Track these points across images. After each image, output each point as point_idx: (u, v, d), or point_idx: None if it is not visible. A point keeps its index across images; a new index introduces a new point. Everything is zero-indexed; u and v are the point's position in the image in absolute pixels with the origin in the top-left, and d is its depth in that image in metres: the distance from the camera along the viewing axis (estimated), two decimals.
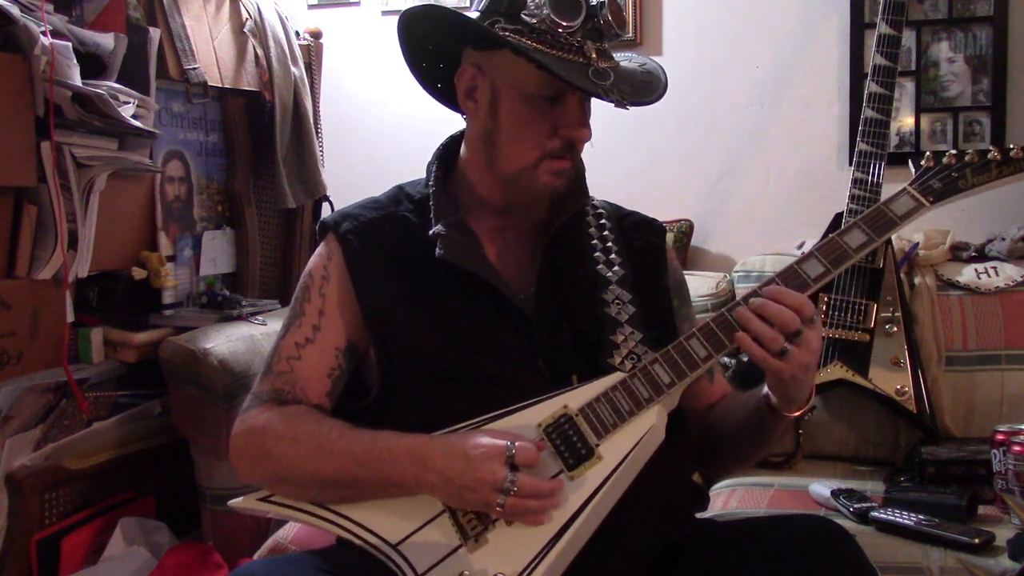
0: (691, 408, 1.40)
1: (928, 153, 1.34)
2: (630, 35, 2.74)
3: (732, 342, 1.22)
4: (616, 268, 1.39)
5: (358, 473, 1.23)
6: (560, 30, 1.25)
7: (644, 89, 1.32)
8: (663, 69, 1.38)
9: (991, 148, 1.32)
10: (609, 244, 1.42)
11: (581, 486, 1.19)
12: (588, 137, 1.31)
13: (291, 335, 1.36)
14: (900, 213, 1.29)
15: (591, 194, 1.45)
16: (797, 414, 1.28)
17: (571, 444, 1.21)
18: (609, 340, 1.32)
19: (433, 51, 1.41)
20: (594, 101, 1.33)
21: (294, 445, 1.26)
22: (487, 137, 1.34)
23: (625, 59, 1.38)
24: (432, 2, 1.34)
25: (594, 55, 1.26)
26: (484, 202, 1.39)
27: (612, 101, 1.23)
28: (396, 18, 1.38)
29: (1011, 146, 1.31)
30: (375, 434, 1.25)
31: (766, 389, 1.28)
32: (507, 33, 1.26)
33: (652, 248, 1.46)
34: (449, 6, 1.40)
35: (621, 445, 1.20)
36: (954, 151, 1.32)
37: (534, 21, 1.25)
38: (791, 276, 1.25)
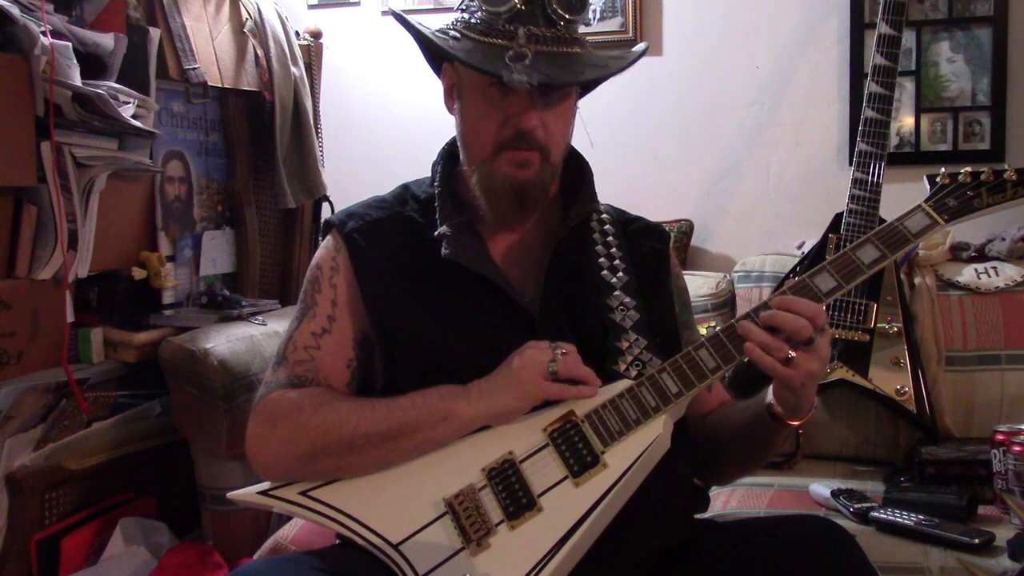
0: (687, 415, 1.40)
1: (943, 170, 1.33)
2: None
3: (741, 353, 1.22)
4: (620, 274, 1.39)
5: (406, 418, 1.24)
6: (491, 16, 1.27)
7: (579, 70, 1.29)
8: (628, 63, 1.35)
9: (1006, 168, 1.31)
10: (613, 250, 1.42)
11: (586, 493, 1.19)
12: (534, 125, 1.30)
13: (306, 325, 1.36)
14: (914, 230, 1.28)
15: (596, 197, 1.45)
16: (799, 423, 1.28)
17: (576, 451, 1.21)
18: (614, 346, 1.32)
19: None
20: (583, 102, 1.38)
21: (334, 408, 1.27)
22: (459, 133, 1.38)
23: (616, 56, 1.37)
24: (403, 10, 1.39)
25: (524, 39, 1.26)
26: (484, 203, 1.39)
27: (513, 83, 1.22)
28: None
29: None
30: (413, 392, 1.28)
31: (769, 399, 1.28)
32: (454, 24, 1.32)
33: (656, 254, 1.46)
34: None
35: (627, 453, 1.20)
36: (969, 169, 1.31)
37: (473, 7, 1.30)
38: (803, 290, 1.25)
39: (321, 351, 1.35)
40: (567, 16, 1.28)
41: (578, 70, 1.29)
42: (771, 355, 1.19)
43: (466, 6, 1.33)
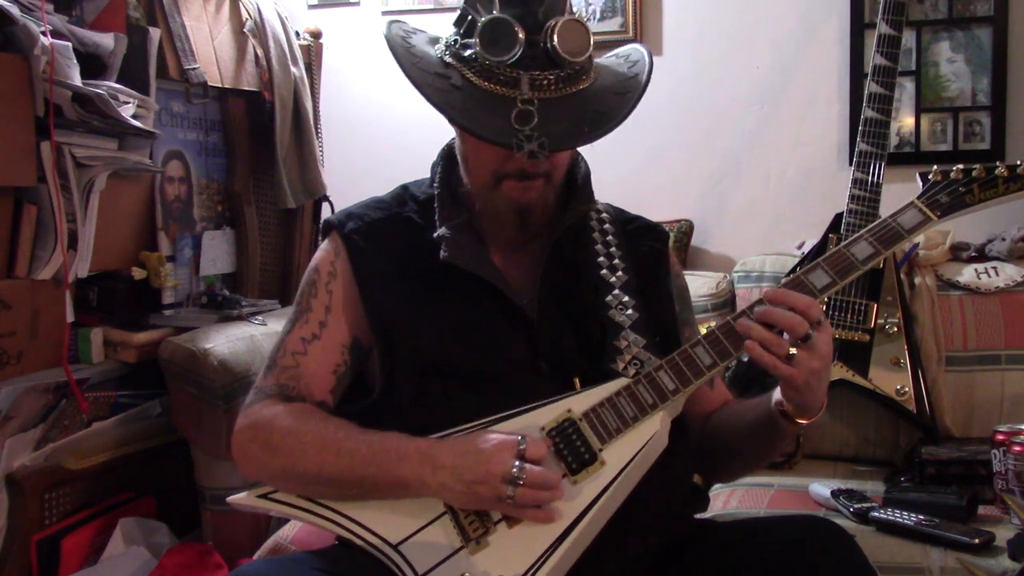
0: (691, 414, 1.40)
1: (935, 167, 1.34)
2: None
3: (737, 350, 1.22)
4: (619, 273, 1.39)
5: (365, 473, 1.23)
6: (494, 62, 1.22)
7: (587, 122, 1.25)
8: (649, 77, 1.33)
9: (998, 164, 1.32)
10: (612, 249, 1.41)
11: (584, 491, 1.19)
12: (540, 171, 1.28)
13: (297, 330, 1.36)
14: (908, 227, 1.29)
15: (594, 196, 1.45)
16: (809, 422, 1.27)
17: (574, 448, 1.21)
18: (612, 345, 1.31)
19: None
20: None
21: (300, 442, 1.26)
22: (459, 151, 1.36)
23: (621, 58, 1.36)
24: (393, 28, 1.35)
25: (526, 88, 1.22)
26: None
27: (521, 152, 1.19)
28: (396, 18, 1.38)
29: (1018, 162, 1.32)
30: (383, 435, 1.25)
31: (778, 396, 1.27)
32: (455, 58, 1.26)
33: (655, 254, 1.46)
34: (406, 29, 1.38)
35: (624, 450, 1.20)
36: (961, 166, 1.32)
37: (467, 52, 1.24)
38: (797, 286, 1.25)
39: (307, 357, 1.34)
40: (569, 59, 1.24)
41: (584, 122, 1.24)
42: (771, 352, 1.18)
43: (464, 42, 1.26)
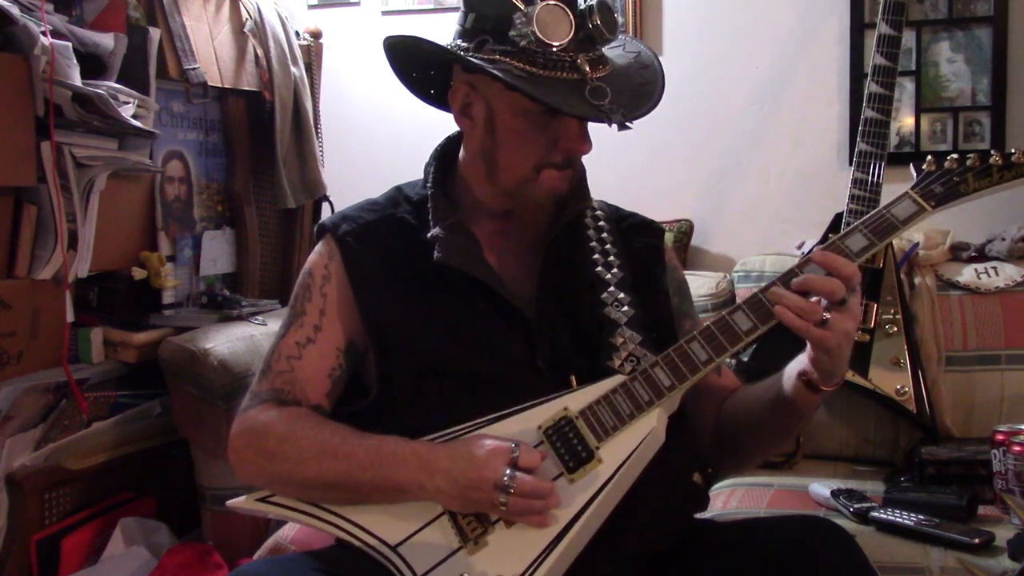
0: (704, 404, 1.40)
1: (929, 157, 1.33)
2: (626, 35, 2.74)
3: (733, 345, 1.22)
4: (615, 270, 1.39)
5: (361, 478, 1.23)
6: (546, 47, 1.24)
7: (642, 93, 1.30)
8: (656, 55, 1.37)
9: (992, 152, 1.31)
10: (608, 246, 1.41)
11: (581, 489, 1.19)
12: (589, 149, 1.32)
13: (292, 334, 1.36)
14: (902, 217, 1.28)
15: (590, 194, 1.45)
16: (833, 388, 1.26)
17: (571, 446, 1.21)
18: (608, 342, 1.31)
19: (422, 63, 1.42)
20: None
21: (296, 447, 1.26)
22: (486, 154, 1.34)
23: (618, 46, 1.36)
24: (412, 34, 1.35)
25: (588, 68, 1.25)
26: (484, 206, 1.39)
27: (614, 122, 1.23)
28: (397, 18, 1.38)
29: (1012, 151, 1.31)
30: (380, 439, 1.25)
31: (800, 367, 1.26)
32: (495, 55, 1.26)
33: (651, 250, 1.46)
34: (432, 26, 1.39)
35: (621, 448, 1.20)
36: (955, 155, 1.31)
37: (523, 42, 1.25)
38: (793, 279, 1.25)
39: (302, 361, 1.34)
40: (608, 36, 1.29)
41: (639, 92, 1.29)
42: (805, 319, 1.18)
43: (508, 37, 1.26)
